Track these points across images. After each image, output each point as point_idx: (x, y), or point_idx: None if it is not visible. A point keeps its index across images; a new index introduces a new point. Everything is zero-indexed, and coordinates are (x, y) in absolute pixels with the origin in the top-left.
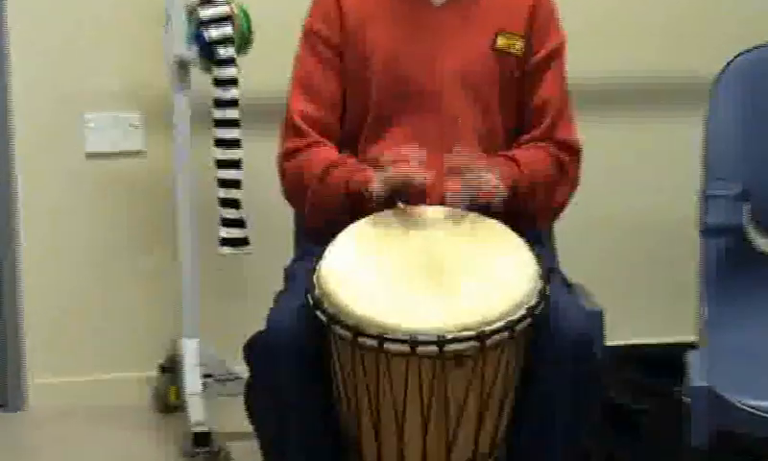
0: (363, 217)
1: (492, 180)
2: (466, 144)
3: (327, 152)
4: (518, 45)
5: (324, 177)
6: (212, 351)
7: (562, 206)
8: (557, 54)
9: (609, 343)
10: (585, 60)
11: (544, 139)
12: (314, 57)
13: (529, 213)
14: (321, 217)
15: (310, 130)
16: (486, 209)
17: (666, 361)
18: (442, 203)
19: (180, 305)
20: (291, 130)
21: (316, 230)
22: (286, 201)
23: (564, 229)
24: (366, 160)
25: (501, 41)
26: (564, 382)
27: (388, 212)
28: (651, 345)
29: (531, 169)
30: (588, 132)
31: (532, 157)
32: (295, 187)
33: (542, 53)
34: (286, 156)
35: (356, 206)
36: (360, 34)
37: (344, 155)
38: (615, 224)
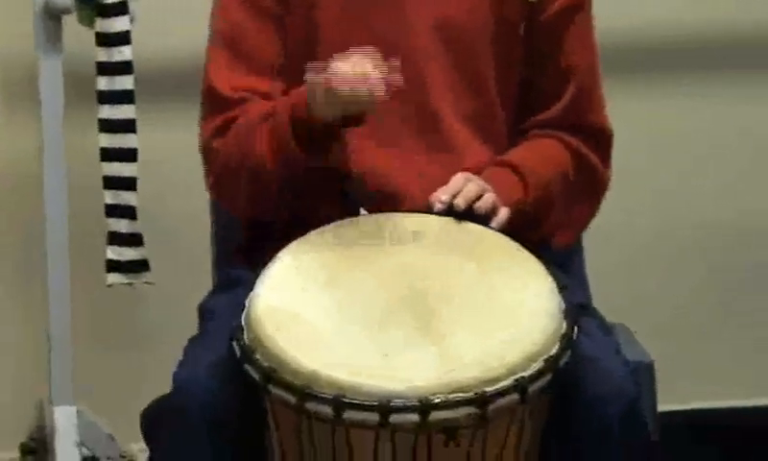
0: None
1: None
2: (445, 132)
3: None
4: None
5: (268, 116)
6: (95, 424)
7: (587, 220)
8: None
9: (680, 407)
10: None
11: (564, 124)
12: (245, 2)
13: (542, 231)
14: (266, 191)
15: (244, 98)
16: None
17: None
18: (422, 209)
19: (48, 358)
20: (216, 105)
21: (259, 227)
22: (215, 197)
23: (595, 248)
24: None
25: None
26: None
27: (348, 222)
28: (737, 409)
29: (541, 182)
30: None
31: (542, 159)
32: (234, 160)
33: None
34: (216, 133)
35: (309, 146)
36: None
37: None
38: (671, 237)
